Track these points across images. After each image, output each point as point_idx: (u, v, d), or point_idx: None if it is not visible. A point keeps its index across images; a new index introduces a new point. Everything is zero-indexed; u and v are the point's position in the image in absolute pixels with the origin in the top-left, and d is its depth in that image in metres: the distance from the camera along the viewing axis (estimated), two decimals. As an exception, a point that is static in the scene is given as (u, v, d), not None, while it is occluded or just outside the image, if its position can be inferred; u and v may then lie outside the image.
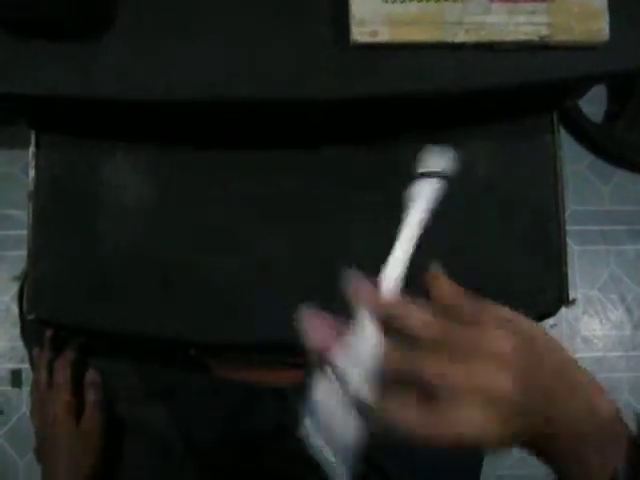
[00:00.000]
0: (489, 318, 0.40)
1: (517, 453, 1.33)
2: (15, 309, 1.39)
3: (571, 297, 0.72)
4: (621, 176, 1.63)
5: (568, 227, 0.72)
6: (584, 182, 1.61)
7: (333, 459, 0.39)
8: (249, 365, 0.77)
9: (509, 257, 0.71)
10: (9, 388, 1.45)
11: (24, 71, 0.55)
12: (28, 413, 1.39)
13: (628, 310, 1.60)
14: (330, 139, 0.69)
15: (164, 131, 0.69)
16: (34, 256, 0.69)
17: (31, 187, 0.69)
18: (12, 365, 1.45)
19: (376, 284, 0.43)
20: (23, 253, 0.69)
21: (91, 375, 0.77)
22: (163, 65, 0.56)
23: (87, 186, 0.69)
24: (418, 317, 0.40)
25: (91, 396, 0.75)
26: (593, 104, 1.60)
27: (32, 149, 0.69)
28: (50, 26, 0.54)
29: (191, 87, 0.56)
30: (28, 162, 0.69)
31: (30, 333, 0.84)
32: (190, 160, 0.69)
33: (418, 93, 0.58)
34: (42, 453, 0.76)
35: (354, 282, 0.42)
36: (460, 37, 0.56)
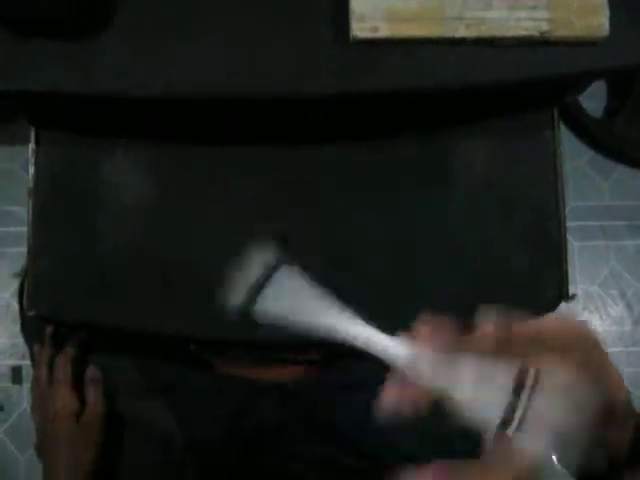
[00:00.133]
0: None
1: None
2: (15, 306, 1.39)
3: (571, 293, 0.72)
4: (621, 172, 1.62)
5: (568, 223, 0.72)
6: (584, 178, 1.61)
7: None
8: (250, 361, 0.77)
9: (509, 253, 0.71)
10: (10, 384, 1.46)
11: (24, 70, 0.55)
12: (29, 409, 1.39)
13: (628, 306, 1.60)
14: (330, 137, 0.69)
15: (164, 129, 0.69)
16: (34, 253, 0.69)
17: (31, 184, 0.69)
18: (13, 362, 1.45)
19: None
20: (24, 250, 0.70)
21: (92, 371, 0.77)
22: (163, 65, 0.56)
23: (87, 183, 0.69)
24: None
25: (91, 392, 0.76)
26: (593, 100, 1.60)
27: (32, 146, 0.69)
28: (50, 26, 0.54)
29: (191, 85, 0.56)
30: (28, 159, 0.69)
31: (30, 330, 0.84)
32: (190, 158, 0.69)
33: (418, 89, 0.58)
34: (43, 449, 0.76)
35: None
36: (460, 32, 0.56)
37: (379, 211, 0.68)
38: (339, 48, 0.56)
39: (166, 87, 0.55)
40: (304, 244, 0.69)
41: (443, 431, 0.74)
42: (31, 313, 0.68)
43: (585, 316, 1.58)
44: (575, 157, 1.60)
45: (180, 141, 0.69)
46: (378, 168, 0.70)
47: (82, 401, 0.76)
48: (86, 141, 0.69)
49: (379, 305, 0.69)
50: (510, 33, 0.56)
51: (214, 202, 0.70)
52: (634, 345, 1.59)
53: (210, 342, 0.73)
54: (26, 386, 1.45)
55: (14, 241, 1.47)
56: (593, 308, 1.59)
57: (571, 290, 0.72)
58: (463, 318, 0.40)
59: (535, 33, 0.56)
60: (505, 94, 0.67)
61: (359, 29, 0.55)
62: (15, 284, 1.43)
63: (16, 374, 1.45)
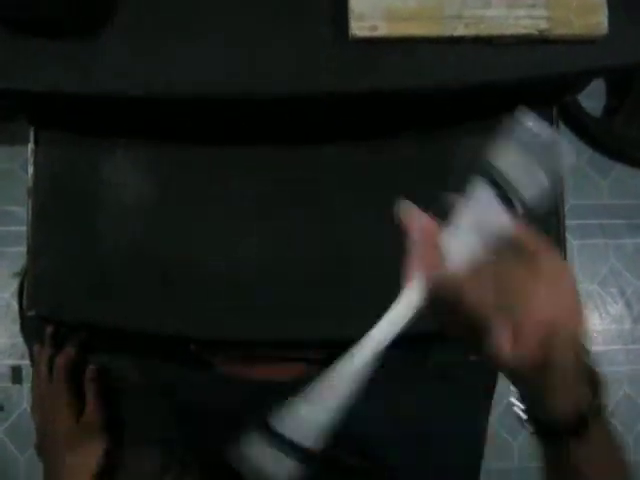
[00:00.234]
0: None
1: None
2: (15, 305, 1.39)
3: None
4: (620, 170, 1.63)
5: (567, 221, 0.72)
6: (583, 176, 1.61)
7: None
8: (250, 361, 0.77)
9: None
10: (10, 384, 1.46)
11: (24, 70, 0.55)
12: (29, 409, 1.39)
13: (627, 304, 1.60)
14: (330, 137, 0.69)
15: (164, 129, 0.69)
16: (34, 253, 0.69)
17: (30, 184, 0.69)
18: (12, 361, 1.45)
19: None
20: (24, 249, 0.70)
21: (91, 371, 0.77)
22: (163, 65, 0.56)
23: (87, 183, 0.69)
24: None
25: (91, 392, 0.75)
26: (592, 99, 1.60)
27: (31, 146, 0.69)
28: (50, 26, 0.54)
29: (191, 85, 0.56)
30: (28, 159, 0.69)
31: (30, 329, 0.84)
32: (190, 158, 0.69)
33: (418, 88, 0.58)
34: (43, 449, 0.76)
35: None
36: (459, 31, 0.56)
37: (379, 211, 0.68)
38: (338, 48, 0.56)
39: (166, 87, 0.55)
40: (304, 244, 0.69)
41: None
42: (31, 313, 0.68)
43: (584, 314, 1.58)
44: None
45: (180, 141, 0.69)
46: (378, 168, 0.70)
47: (82, 401, 0.76)
48: (86, 141, 0.69)
49: (379, 305, 0.69)
50: (509, 31, 0.56)
51: (214, 202, 0.70)
52: (633, 343, 1.59)
53: (210, 342, 0.73)
54: (26, 386, 1.45)
55: (14, 241, 1.46)
56: (592, 306, 1.60)
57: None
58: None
59: (534, 31, 0.56)
60: (504, 93, 0.67)
61: (358, 28, 0.55)
62: (15, 284, 1.43)
63: (16, 374, 1.45)
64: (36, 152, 0.69)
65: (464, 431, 0.78)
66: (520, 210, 0.44)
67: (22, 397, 1.45)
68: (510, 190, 0.43)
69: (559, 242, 0.72)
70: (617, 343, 1.59)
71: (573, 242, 1.58)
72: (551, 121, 0.72)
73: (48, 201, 0.69)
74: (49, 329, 0.79)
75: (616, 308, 1.60)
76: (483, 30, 0.56)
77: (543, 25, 0.56)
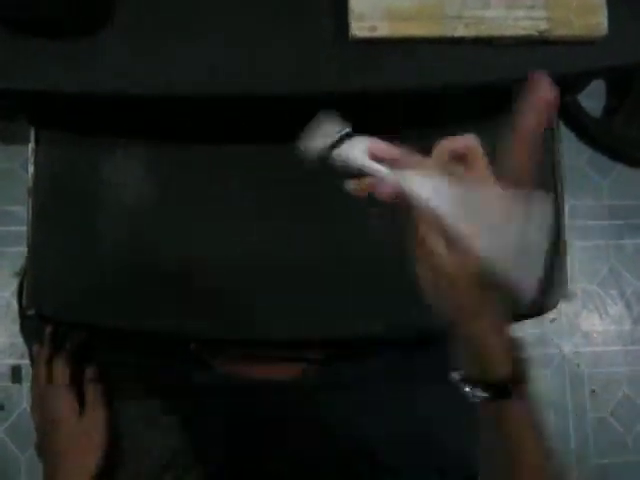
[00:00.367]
0: None
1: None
2: (15, 305, 1.39)
3: (570, 292, 0.72)
4: (620, 171, 1.63)
5: (567, 222, 0.72)
6: (583, 177, 1.61)
7: None
8: (249, 361, 0.77)
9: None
10: (9, 384, 1.45)
11: (24, 70, 0.55)
12: (29, 409, 1.40)
13: (627, 305, 1.60)
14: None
15: (164, 129, 0.69)
16: (33, 252, 0.69)
17: (30, 183, 0.69)
18: (12, 361, 1.45)
19: None
20: (24, 249, 0.70)
21: (91, 371, 0.77)
22: (163, 65, 0.56)
23: (86, 183, 0.69)
24: None
25: (91, 392, 0.76)
26: (592, 99, 1.60)
27: (32, 145, 0.69)
28: (50, 26, 0.54)
29: (191, 85, 0.56)
30: (28, 158, 0.69)
31: (30, 329, 0.84)
32: (190, 158, 0.69)
33: (418, 89, 0.58)
34: (43, 449, 0.76)
35: None
36: (459, 31, 0.56)
37: (379, 211, 0.68)
38: (339, 47, 0.56)
39: (166, 87, 0.55)
40: (304, 244, 0.69)
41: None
42: (30, 312, 0.68)
43: (584, 315, 1.58)
44: (574, 156, 1.60)
45: (180, 141, 0.69)
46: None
47: (82, 401, 0.76)
48: (86, 141, 0.69)
49: (379, 305, 0.69)
50: (508, 32, 0.56)
51: (214, 202, 0.70)
52: (633, 344, 1.59)
53: (210, 342, 0.73)
54: (26, 385, 1.45)
55: (14, 241, 1.46)
56: (592, 307, 1.59)
57: (570, 289, 0.72)
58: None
59: (534, 32, 0.56)
60: (504, 93, 0.67)
61: (358, 28, 0.55)
62: (15, 284, 1.43)
63: (16, 373, 1.45)
64: (36, 152, 0.69)
65: (464, 432, 0.78)
66: None
67: (22, 397, 1.45)
68: None
69: (559, 242, 0.72)
70: (617, 344, 1.59)
71: (573, 242, 1.58)
72: (551, 121, 0.72)
73: (48, 201, 0.69)
74: (49, 329, 0.79)
75: (616, 309, 1.60)
76: (483, 31, 0.56)
77: (543, 26, 0.56)
